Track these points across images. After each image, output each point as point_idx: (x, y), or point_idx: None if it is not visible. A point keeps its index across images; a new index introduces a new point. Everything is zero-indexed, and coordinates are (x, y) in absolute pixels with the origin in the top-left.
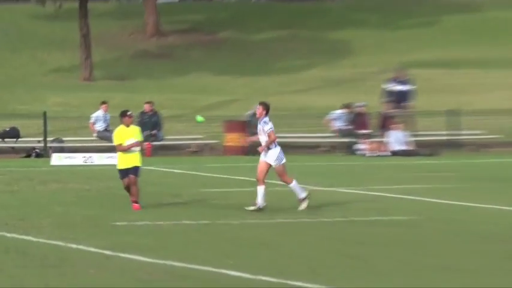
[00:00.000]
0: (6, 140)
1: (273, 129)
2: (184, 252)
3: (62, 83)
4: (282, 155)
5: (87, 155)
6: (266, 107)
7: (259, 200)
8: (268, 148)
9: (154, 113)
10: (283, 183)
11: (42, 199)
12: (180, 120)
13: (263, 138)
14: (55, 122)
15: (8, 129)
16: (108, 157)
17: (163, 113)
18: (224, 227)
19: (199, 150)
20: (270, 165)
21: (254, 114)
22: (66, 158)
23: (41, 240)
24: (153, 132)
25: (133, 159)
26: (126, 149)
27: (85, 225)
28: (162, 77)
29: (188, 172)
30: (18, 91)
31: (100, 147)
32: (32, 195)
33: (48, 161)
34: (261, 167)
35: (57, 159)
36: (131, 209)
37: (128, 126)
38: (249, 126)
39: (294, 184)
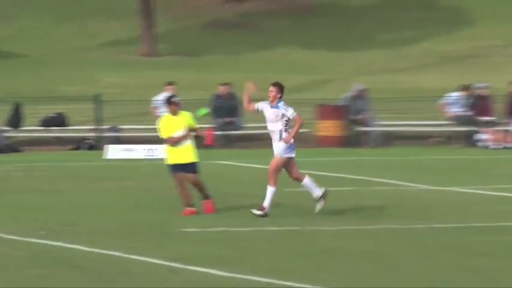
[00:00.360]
0: (50, 128)
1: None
2: (269, 265)
3: (117, 59)
4: (292, 148)
5: (149, 147)
6: (281, 88)
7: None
8: (280, 138)
9: (232, 97)
10: (268, 179)
11: (95, 201)
12: None
13: (276, 127)
14: (110, 107)
15: (52, 115)
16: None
17: (242, 96)
18: (316, 235)
19: None
20: (285, 162)
21: (354, 97)
22: (124, 150)
23: (94, 250)
24: (231, 119)
25: (187, 154)
26: (177, 142)
27: (147, 232)
28: (240, 51)
29: None
30: (65, 69)
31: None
32: (82, 196)
33: (102, 154)
34: (284, 165)
35: (113, 152)
36: (202, 212)
37: (175, 114)
38: (347, 111)
39: (272, 189)
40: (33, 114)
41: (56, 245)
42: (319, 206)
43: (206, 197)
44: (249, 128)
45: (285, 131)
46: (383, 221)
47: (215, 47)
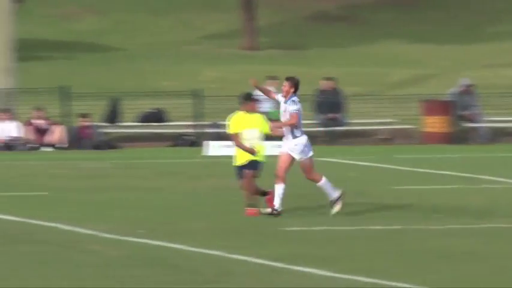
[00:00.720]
0: (148, 124)
1: (298, 111)
2: (372, 265)
3: (218, 52)
4: (309, 147)
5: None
6: (294, 83)
7: (277, 202)
8: (293, 136)
9: (335, 92)
10: (311, 180)
11: (194, 199)
12: (366, 100)
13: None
14: (210, 102)
15: (150, 111)
16: (278, 146)
17: (346, 91)
18: (421, 234)
19: (390, 138)
20: (293, 159)
21: (461, 93)
22: (224, 147)
23: (193, 249)
24: (334, 115)
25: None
26: (242, 148)
27: (249, 231)
28: (343, 45)
29: (376, 165)
30: (163, 63)
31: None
32: (180, 193)
33: (201, 151)
34: (282, 160)
35: (213, 148)
36: (305, 211)
37: (250, 112)
38: (454, 107)
39: (323, 182)
40: (130, 109)
41: (155, 244)
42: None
43: (251, 205)
44: (354, 124)
45: (295, 127)
46: (490, 219)
47: (317, 40)
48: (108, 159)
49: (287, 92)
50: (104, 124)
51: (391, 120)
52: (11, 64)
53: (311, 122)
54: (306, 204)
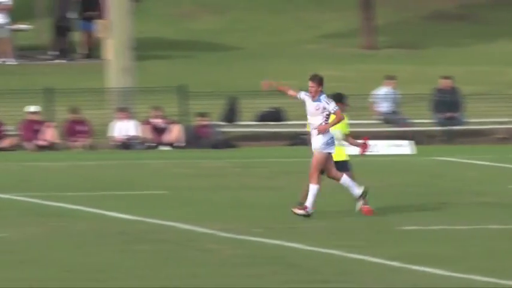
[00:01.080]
0: (266, 123)
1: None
2: (489, 264)
3: (336, 51)
4: (332, 144)
5: (370, 142)
6: (320, 82)
7: (309, 203)
8: (318, 132)
9: (453, 91)
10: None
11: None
12: (485, 99)
13: (316, 120)
14: None
15: (268, 110)
16: (396, 145)
17: (464, 90)
18: None
19: (508, 137)
20: (330, 155)
21: None
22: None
23: (312, 248)
24: (452, 114)
25: (340, 152)
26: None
27: (366, 230)
28: (463, 44)
29: (494, 164)
30: (281, 62)
31: (385, 132)
32: (297, 193)
33: None
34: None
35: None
36: (422, 210)
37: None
38: None
39: (315, 188)
40: (248, 108)
41: (273, 243)
42: (359, 205)
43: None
44: (472, 123)
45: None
46: None
47: (436, 39)
48: (225, 158)
49: (316, 92)
50: (221, 123)
51: (509, 119)
52: (129, 63)
53: (429, 121)
54: (424, 203)
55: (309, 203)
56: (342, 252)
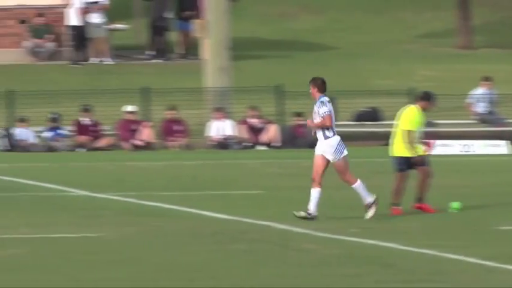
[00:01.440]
0: (363, 123)
1: (329, 112)
2: None
3: (433, 51)
4: (342, 147)
5: (466, 142)
6: (317, 84)
7: (312, 207)
8: (325, 137)
9: None
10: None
11: (408, 198)
12: None
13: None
14: None
15: (365, 109)
16: (493, 145)
17: None
18: None
19: None
20: (328, 161)
21: None
22: (441, 145)
23: (406, 248)
24: None
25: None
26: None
27: (462, 230)
28: None
29: None
30: (378, 62)
31: (482, 132)
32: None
33: None
34: (317, 164)
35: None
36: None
37: (425, 111)
38: None
39: (357, 185)
40: (346, 108)
41: (369, 243)
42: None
43: (418, 200)
44: None
45: (326, 128)
46: None
47: None
48: None
49: (314, 94)
50: None
51: None
52: (226, 63)
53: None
54: None
55: (364, 197)
56: (437, 252)
